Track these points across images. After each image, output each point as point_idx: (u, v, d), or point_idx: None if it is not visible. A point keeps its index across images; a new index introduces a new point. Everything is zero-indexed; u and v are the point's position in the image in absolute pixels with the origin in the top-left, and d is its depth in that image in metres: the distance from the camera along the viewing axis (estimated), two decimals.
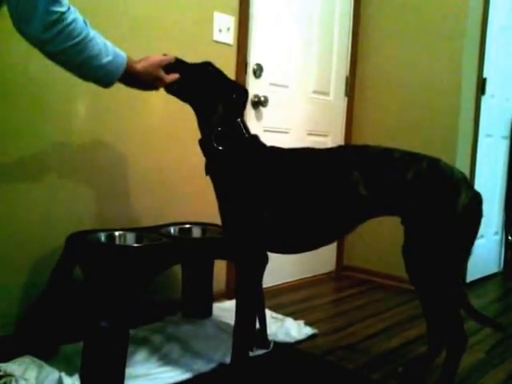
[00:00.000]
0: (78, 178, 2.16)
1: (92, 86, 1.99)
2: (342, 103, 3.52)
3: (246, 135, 1.79)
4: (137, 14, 2.27)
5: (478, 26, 3.20)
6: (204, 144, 1.80)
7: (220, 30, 2.64)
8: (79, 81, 1.90)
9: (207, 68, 1.78)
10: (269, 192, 1.72)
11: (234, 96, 1.79)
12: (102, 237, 2.01)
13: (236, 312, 1.78)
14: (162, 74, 1.65)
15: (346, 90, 3.53)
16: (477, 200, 1.63)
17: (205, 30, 2.57)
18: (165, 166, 2.48)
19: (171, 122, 2.47)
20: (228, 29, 2.68)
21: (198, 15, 2.54)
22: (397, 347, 2.29)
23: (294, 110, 3.16)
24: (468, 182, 1.67)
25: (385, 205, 1.68)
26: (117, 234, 2.06)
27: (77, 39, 1.33)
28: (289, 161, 1.77)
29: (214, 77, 1.78)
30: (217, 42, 2.62)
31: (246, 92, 1.84)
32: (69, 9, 1.31)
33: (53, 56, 1.35)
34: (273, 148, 1.82)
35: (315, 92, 3.30)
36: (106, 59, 1.42)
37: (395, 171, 1.64)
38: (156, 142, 2.44)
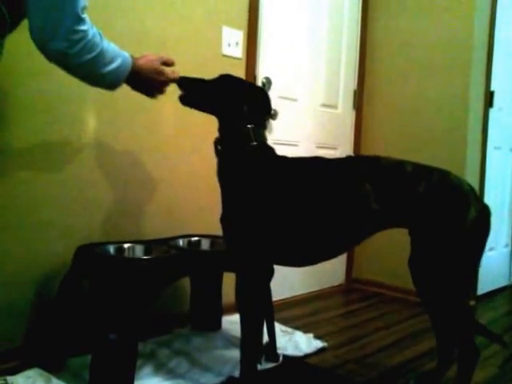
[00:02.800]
0: (87, 190, 2.17)
1: (104, 102, 2.02)
2: (351, 116, 3.53)
3: (254, 143, 1.76)
4: (145, 29, 2.30)
5: (485, 40, 3.21)
6: (214, 144, 1.82)
7: (229, 45, 2.66)
8: (90, 94, 1.94)
9: (221, 82, 1.80)
10: (273, 202, 1.70)
11: (258, 102, 1.80)
12: (111, 249, 2.02)
13: (240, 325, 1.77)
14: (162, 67, 1.71)
15: (355, 103, 3.54)
16: (485, 212, 1.63)
17: (214, 44, 2.60)
18: (175, 178, 2.49)
19: (183, 134, 2.50)
20: (237, 43, 2.70)
21: (207, 30, 2.57)
22: (407, 361, 2.26)
23: (302, 123, 3.17)
24: (476, 194, 1.67)
25: (394, 218, 1.67)
26: (126, 246, 2.07)
27: (95, 52, 1.40)
28: (297, 170, 1.75)
29: (227, 88, 1.79)
30: (226, 56, 2.65)
31: (266, 95, 1.83)
32: (90, 26, 1.37)
33: (73, 68, 1.41)
34: (281, 157, 1.80)
35: (324, 105, 3.31)
36: (116, 63, 1.49)
37: (407, 185, 1.63)
38: (167, 154, 2.45)
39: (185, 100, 1.81)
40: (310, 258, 1.82)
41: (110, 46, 1.47)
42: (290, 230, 1.70)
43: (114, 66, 1.48)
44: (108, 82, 1.52)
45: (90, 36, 1.35)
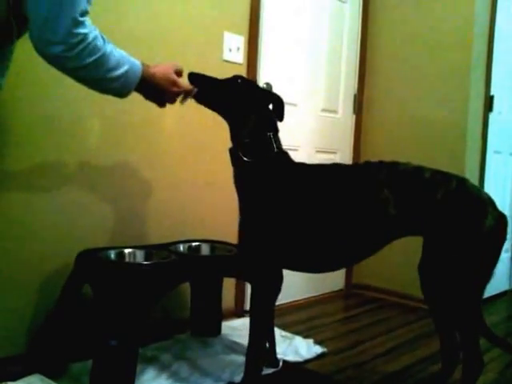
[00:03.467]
0: (89, 196, 2.17)
1: (108, 107, 2.01)
2: (351, 120, 3.54)
3: (275, 150, 1.77)
4: (148, 35, 2.30)
5: (484, 44, 3.22)
6: (232, 153, 1.80)
7: (230, 50, 2.67)
8: (89, 108, 1.91)
9: (236, 81, 1.79)
10: (292, 208, 1.70)
11: (272, 106, 1.81)
12: (112, 254, 2.02)
13: (251, 329, 1.77)
14: (175, 76, 1.67)
15: (355, 108, 3.54)
16: (502, 221, 1.64)
17: (215, 49, 2.61)
18: (175, 185, 2.49)
19: (182, 143, 2.50)
20: (238, 48, 2.71)
21: (209, 35, 2.57)
22: (407, 366, 2.27)
23: (302, 128, 3.17)
24: (494, 203, 1.67)
25: (411, 224, 1.67)
26: (126, 251, 2.07)
27: (97, 55, 1.36)
28: (316, 177, 1.75)
29: (244, 90, 1.79)
30: (227, 61, 2.65)
31: (281, 100, 1.83)
32: (91, 29, 1.35)
33: (74, 71, 1.38)
34: (300, 164, 1.81)
35: (324, 110, 3.32)
36: (123, 69, 1.46)
37: (425, 191, 1.64)
38: (167, 162, 2.45)
39: (199, 97, 1.78)
40: (329, 265, 1.84)
41: (116, 51, 1.44)
42: (313, 236, 1.70)
43: (120, 71, 1.44)
44: (116, 88, 1.48)
45: (89, 39, 1.33)
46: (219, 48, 2.63)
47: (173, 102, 1.74)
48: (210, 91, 1.79)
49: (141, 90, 1.61)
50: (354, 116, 3.55)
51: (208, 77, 1.79)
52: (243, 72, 2.72)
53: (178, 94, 1.70)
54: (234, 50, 2.69)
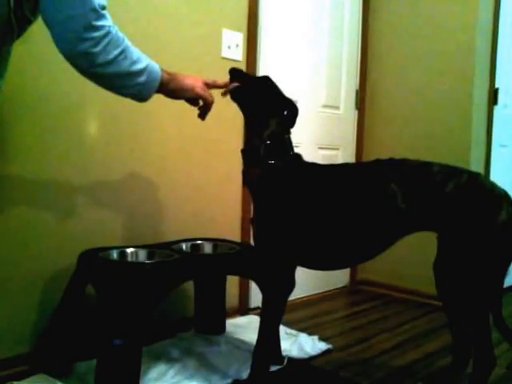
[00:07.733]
0: (90, 195, 2.18)
1: (110, 108, 2.01)
2: (353, 116, 3.52)
3: (291, 152, 1.82)
4: (145, 31, 2.29)
5: (488, 37, 3.19)
6: (250, 155, 1.82)
7: (229, 47, 2.66)
8: (95, 98, 1.91)
9: (267, 82, 1.83)
10: (309, 207, 1.72)
11: (286, 112, 1.83)
12: (114, 254, 2.02)
13: (260, 328, 1.79)
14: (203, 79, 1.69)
15: (356, 103, 3.53)
16: None
17: (213, 46, 2.60)
18: (178, 183, 2.49)
19: (186, 141, 2.51)
20: (237, 45, 2.70)
21: (207, 32, 2.57)
22: (413, 361, 2.25)
23: (304, 124, 3.15)
24: (509, 198, 1.64)
25: (423, 219, 1.66)
26: (129, 251, 2.07)
27: (121, 47, 1.36)
28: (329, 177, 1.78)
29: (272, 91, 1.82)
30: (225, 58, 2.65)
31: (296, 109, 1.86)
32: (112, 23, 1.35)
33: (103, 67, 1.35)
34: (314, 165, 1.85)
35: (325, 106, 3.30)
36: (144, 62, 1.45)
37: (434, 184, 1.63)
38: (170, 161, 2.46)
39: (237, 94, 1.81)
40: (345, 262, 1.89)
41: (133, 47, 1.43)
42: (330, 235, 1.73)
43: (142, 64, 1.44)
44: (141, 84, 1.45)
45: (113, 31, 1.33)
46: (218, 45, 2.62)
47: (200, 94, 1.68)
48: (246, 89, 1.81)
49: (163, 88, 1.56)
50: (356, 112, 3.53)
51: (246, 74, 1.87)
52: (242, 69, 2.71)
53: (204, 89, 1.68)
54: (232, 46, 2.68)
